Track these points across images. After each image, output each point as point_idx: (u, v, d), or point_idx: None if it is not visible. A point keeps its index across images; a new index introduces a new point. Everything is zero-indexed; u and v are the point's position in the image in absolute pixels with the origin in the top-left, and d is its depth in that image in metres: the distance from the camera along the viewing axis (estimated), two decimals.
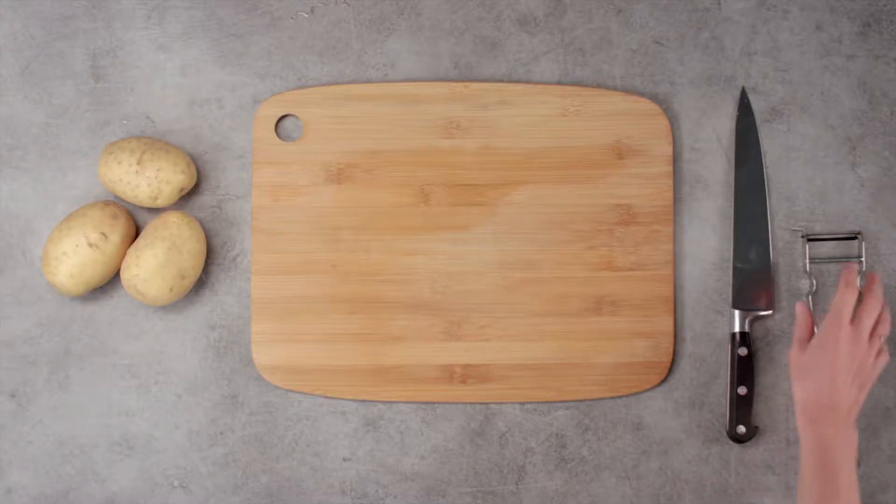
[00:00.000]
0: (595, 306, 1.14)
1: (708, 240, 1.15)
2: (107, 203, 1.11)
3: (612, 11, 1.16)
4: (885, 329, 1.05)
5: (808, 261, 1.04)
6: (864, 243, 1.06)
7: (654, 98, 1.16)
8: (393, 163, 1.14)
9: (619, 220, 1.14)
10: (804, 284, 1.04)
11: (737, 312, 1.14)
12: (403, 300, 1.13)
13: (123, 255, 1.11)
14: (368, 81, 1.16)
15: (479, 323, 1.13)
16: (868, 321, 1.04)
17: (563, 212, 1.14)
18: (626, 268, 1.14)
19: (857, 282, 1.04)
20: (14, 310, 1.14)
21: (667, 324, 1.14)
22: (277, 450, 1.14)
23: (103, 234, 1.09)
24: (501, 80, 1.16)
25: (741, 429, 1.12)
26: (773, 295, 1.14)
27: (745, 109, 1.15)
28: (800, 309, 1.07)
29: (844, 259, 1.12)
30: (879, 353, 1.05)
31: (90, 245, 1.08)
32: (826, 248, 1.13)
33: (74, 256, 1.08)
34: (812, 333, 1.06)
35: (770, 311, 1.14)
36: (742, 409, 1.12)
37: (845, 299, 1.03)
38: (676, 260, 1.15)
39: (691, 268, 1.15)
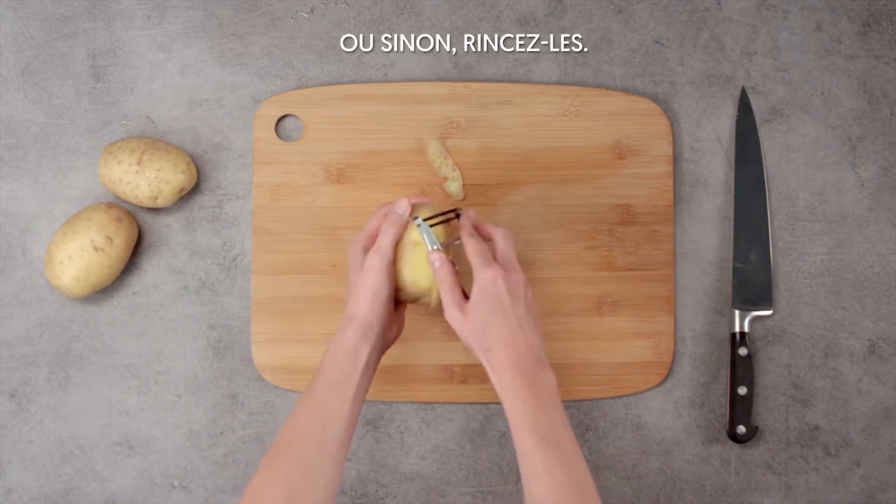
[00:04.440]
0: (595, 306, 1.14)
1: (708, 240, 1.15)
2: (110, 205, 1.11)
3: (612, 11, 1.16)
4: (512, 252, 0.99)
5: (435, 246, 0.98)
6: (462, 213, 1.01)
7: (654, 98, 1.16)
8: (393, 163, 1.14)
9: (619, 220, 1.14)
10: (434, 257, 0.98)
11: (737, 312, 1.14)
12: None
13: (127, 258, 1.11)
14: (368, 81, 1.16)
15: None
16: (509, 255, 0.98)
17: (563, 212, 1.14)
18: (626, 268, 1.14)
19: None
20: (14, 310, 1.14)
21: (667, 324, 1.14)
22: None
23: (108, 237, 1.09)
24: (501, 80, 1.16)
25: (741, 429, 1.12)
26: (773, 295, 1.14)
27: (745, 109, 1.16)
28: (444, 270, 0.97)
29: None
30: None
31: (95, 249, 1.08)
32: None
33: (80, 260, 1.08)
34: (462, 293, 0.97)
35: (770, 311, 1.14)
36: (742, 409, 1.12)
37: (479, 246, 0.97)
38: (676, 260, 1.15)
39: (691, 268, 1.15)
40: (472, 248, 0.97)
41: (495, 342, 0.94)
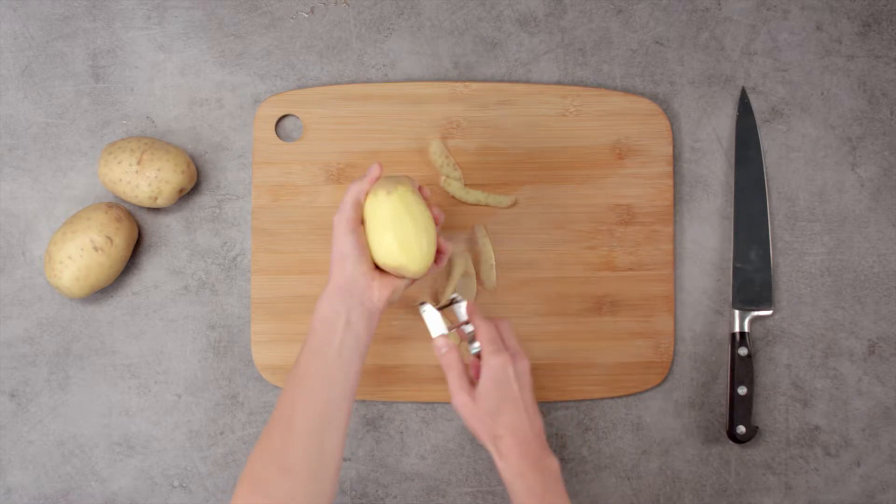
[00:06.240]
0: (595, 306, 1.14)
1: (708, 240, 1.15)
2: (110, 205, 1.11)
3: (612, 11, 1.16)
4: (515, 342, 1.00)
5: (442, 332, 0.98)
6: (461, 304, 1.02)
7: (654, 98, 1.16)
8: (393, 163, 1.14)
9: (619, 220, 1.14)
10: (440, 343, 0.99)
11: (737, 312, 1.14)
12: (403, 300, 1.13)
13: (127, 258, 1.11)
14: (368, 81, 1.16)
15: None
16: (513, 342, 0.99)
17: (563, 212, 1.14)
18: (626, 268, 1.14)
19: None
20: (14, 310, 1.14)
21: (667, 324, 1.14)
22: None
23: (108, 237, 1.09)
24: (501, 80, 1.16)
25: (741, 429, 1.12)
26: (773, 295, 1.14)
27: (745, 109, 1.16)
28: (452, 356, 0.98)
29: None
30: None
31: (95, 249, 1.08)
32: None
33: (80, 260, 1.08)
34: (468, 377, 0.98)
35: (770, 311, 1.14)
36: (742, 409, 1.12)
37: (491, 332, 0.98)
38: (676, 260, 1.15)
39: (691, 268, 1.15)
40: (484, 334, 0.98)
41: (504, 429, 0.95)
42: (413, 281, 1.01)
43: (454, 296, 1.03)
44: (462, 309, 1.01)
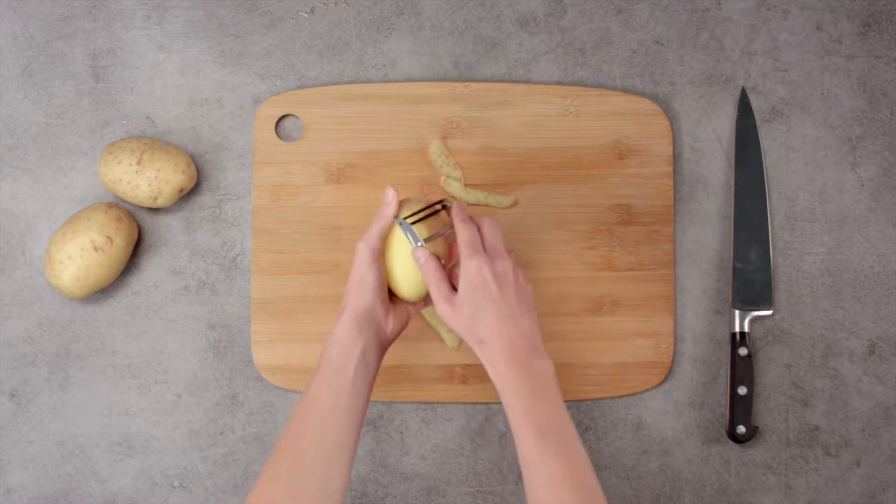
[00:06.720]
0: (595, 306, 1.14)
1: (708, 240, 1.15)
2: (110, 205, 1.11)
3: (612, 11, 1.16)
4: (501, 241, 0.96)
5: (419, 243, 0.96)
6: (451, 207, 0.98)
7: (654, 98, 1.16)
8: (393, 163, 1.14)
9: (619, 220, 1.14)
10: (419, 254, 0.95)
11: (737, 312, 1.14)
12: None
13: (127, 258, 1.11)
14: (368, 81, 1.16)
15: None
16: (495, 243, 0.95)
17: (563, 212, 1.14)
18: (626, 268, 1.14)
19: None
20: (14, 310, 1.14)
21: (667, 324, 1.14)
22: None
23: (108, 237, 1.09)
24: (501, 80, 1.16)
25: (741, 429, 1.12)
26: (773, 295, 1.14)
27: (745, 109, 1.16)
28: (430, 265, 0.95)
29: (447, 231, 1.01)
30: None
31: (95, 249, 1.08)
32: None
33: (80, 260, 1.08)
34: (450, 286, 0.95)
35: (770, 311, 1.14)
36: (742, 409, 1.12)
37: (469, 234, 0.94)
38: (676, 260, 1.15)
39: (691, 268, 1.15)
40: (461, 237, 0.94)
41: (487, 332, 0.92)
42: (419, 305, 1.02)
43: (444, 201, 1.00)
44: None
